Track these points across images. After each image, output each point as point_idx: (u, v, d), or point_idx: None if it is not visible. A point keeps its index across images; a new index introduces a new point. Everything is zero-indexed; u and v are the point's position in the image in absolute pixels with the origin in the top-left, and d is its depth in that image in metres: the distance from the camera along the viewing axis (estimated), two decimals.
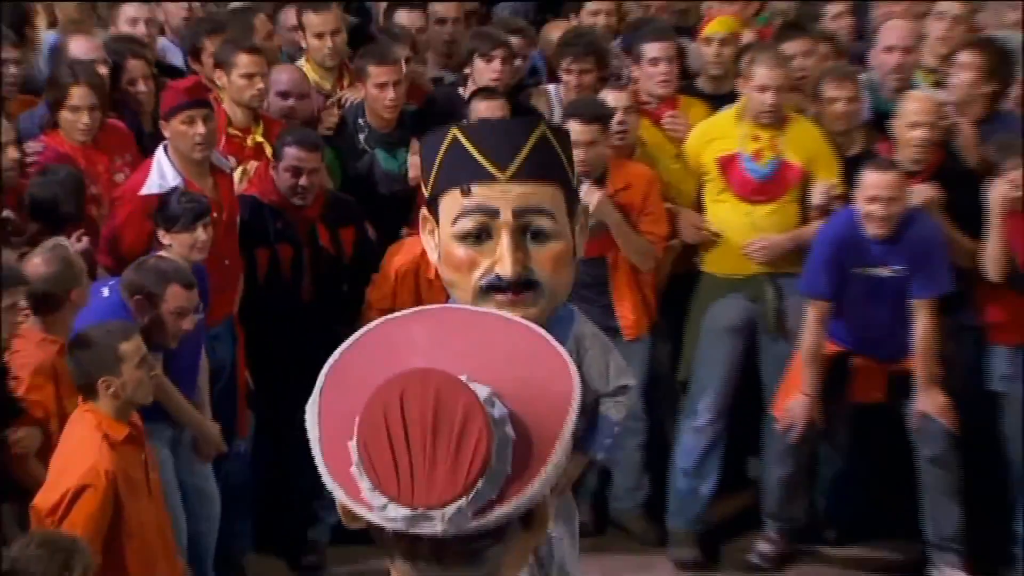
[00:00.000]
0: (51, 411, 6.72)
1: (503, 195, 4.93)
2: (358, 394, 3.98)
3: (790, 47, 8.84)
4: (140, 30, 9.17)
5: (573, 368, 4.24)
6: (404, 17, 9.61)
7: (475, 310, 5.36)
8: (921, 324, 7.80)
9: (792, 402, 7.99)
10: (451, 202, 5.09)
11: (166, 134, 7.70)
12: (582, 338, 5.58)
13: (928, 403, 7.82)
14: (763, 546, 8.34)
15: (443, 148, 5.10)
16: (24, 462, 6.56)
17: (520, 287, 5.07)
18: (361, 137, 8.65)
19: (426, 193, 5.16)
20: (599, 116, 8.13)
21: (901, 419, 8.01)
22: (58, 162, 7.97)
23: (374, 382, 3.99)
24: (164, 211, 7.38)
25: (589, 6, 9.87)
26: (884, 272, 7.84)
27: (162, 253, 7.31)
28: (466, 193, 4.97)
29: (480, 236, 4.95)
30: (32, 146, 7.94)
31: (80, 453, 6.34)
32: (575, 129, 7.76)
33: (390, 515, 3.59)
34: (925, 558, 8.14)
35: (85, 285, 6.97)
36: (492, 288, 4.95)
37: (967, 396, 8.14)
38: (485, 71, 8.69)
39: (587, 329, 5.72)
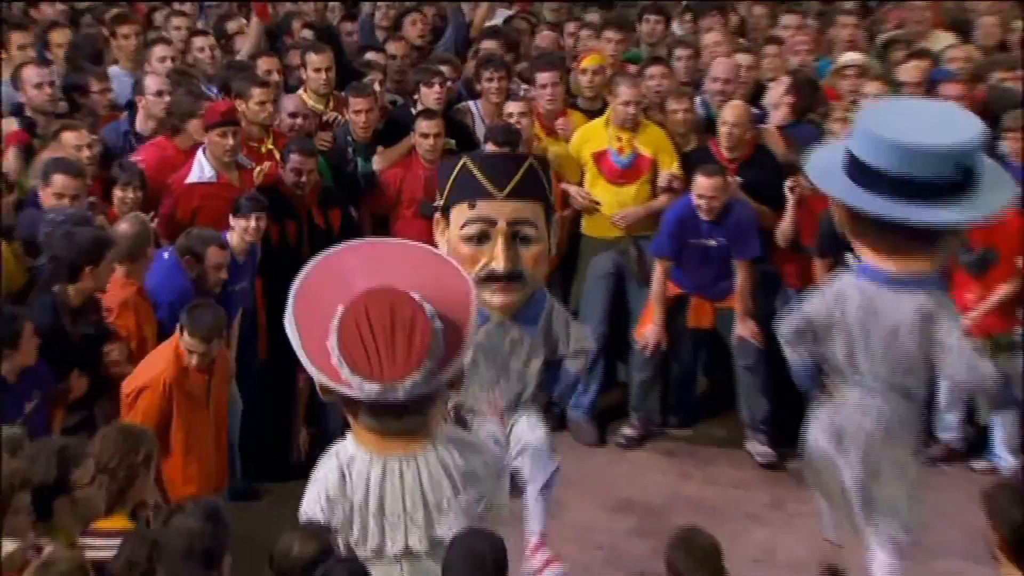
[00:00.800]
0: (132, 333, 7.43)
1: (500, 209, 6.17)
2: (322, 307, 5.38)
3: (652, 70, 9.93)
4: (168, 64, 9.77)
5: (464, 271, 5.61)
6: (372, 55, 10.48)
7: (386, 241, 6.48)
8: (740, 276, 8.89)
9: (647, 328, 9.04)
10: (460, 212, 6.32)
11: (205, 141, 8.51)
12: (551, 312, 6.60)
13: (744, 329, 8.94)
14: (628, 430, 9.35)
15: (455, 172, 6.36)
16: (117, 366, 7.23)
17: (510, 278, 6.28)
18: (350, 150, 9.41)
19: (440, 204, 6.44)
20: (511, 140, 8.94)
21: (725, 340, 9.17)
22: (163, 161, 8.73)
23: (332, 298, 5.58)
24: (235, 202, 8.17)
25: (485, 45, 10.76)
26: (711, 243, 8.86)
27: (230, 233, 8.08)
28: (472, 207, 6.24)
29: (481, 239, 6.22)
30: (136, 158, 8.65)
31: (156, 364, 7.15)
32: (493, 150, 8.75)
33: (365, 390, 5.08)
34: (743, 436, 9.22)
35: (152, 247, 7.70)
36: (489, 278, 6.30)
37: (772, 323, 8.75)
38: (429, 94, 9.50)
39: (555, 307, 6.67)
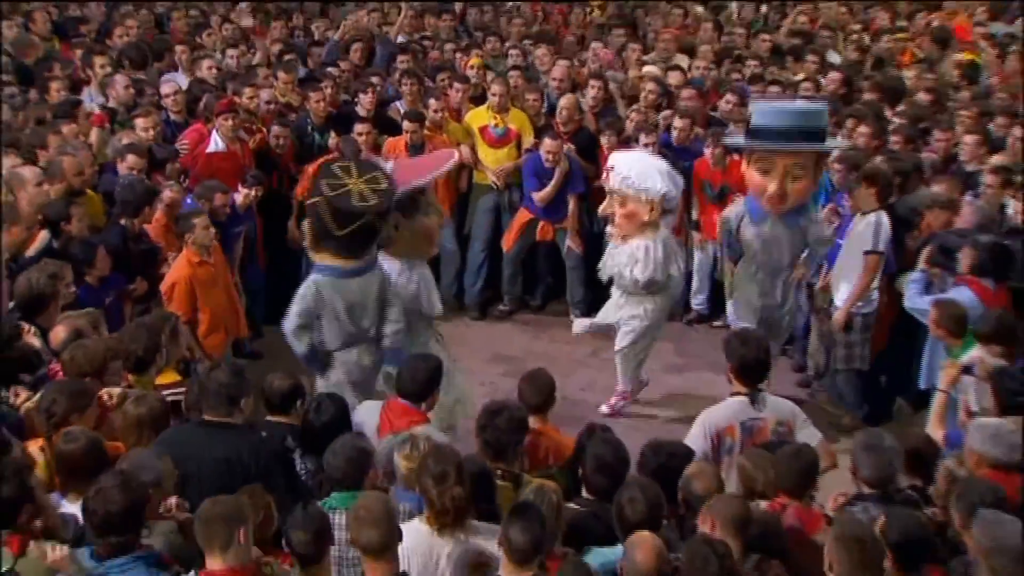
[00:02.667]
0: (167, 246, 7.89)
1: None
2: None
3: (512, 74, 10.51)
4: (214, 72, 10.36)
5: (453, 157, 7.45)
6: (330, 68, 10.95)
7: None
8: (571, 206, 9.56)
9: (512, 239, 9.76)
10: None
11: (216, 123, 9.04)
12: (385, 285, 6.83)
13: (572, 242, 9.68)
14: (501, 307, 10.21)
15: None
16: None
17: None
18: (309, 128, 9.81)
19: None
20: (420, 118, 9.60)
21: (558, 249, 9.81)
22: (200, 139, 9.10)
23: None
24: (243, 173, 8.65)
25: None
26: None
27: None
28: None
29: None
30: (184, 140, 9.15)
31: (179, 268, 7.63)
32: (408, 127, 9.34)
33: None
34: (569, 312, 9.92)
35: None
36: None
37: (591, 237, 9.70)
38: (364, 99, 9.98)
39: (390, 286, 6.86)
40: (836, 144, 7.69)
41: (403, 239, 6.87)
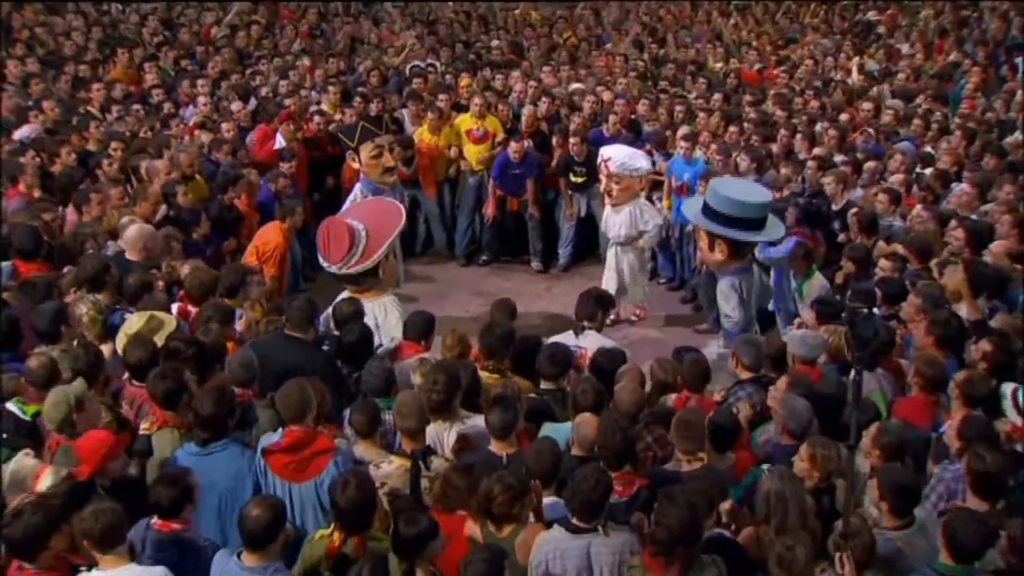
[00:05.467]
0: (248, 215, 8.03)
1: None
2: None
3: (487, 93, 10.12)
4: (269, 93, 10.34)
5: (403, 212, 6.61)
6: (360, 88, 10.56)
7: (379, 198, 7.23)
8: (531, 185, 9.44)
9: (488, 210, 9.60)
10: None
11: (281, 131, 9.21)
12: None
13: (533, 209, 9.58)
14: (483, 257, 9.97)
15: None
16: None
17: None
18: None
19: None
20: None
21: (523, 217, 9.74)
22: (264, 135, 9.27)
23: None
24: (281, 152, 8.74)
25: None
26: (518, 171, 9.38)
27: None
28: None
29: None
30: (253, 136, 9.34)
31: (276, 235, 7.44)
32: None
33: (327, 267, 6.05)
34: (531, 261, 9.86)
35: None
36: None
37: (545, 207, 9.75)
38: (372, 105, 9.87)
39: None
40: (762, 235, 7.16)
41: (387, 276, 6.75)
